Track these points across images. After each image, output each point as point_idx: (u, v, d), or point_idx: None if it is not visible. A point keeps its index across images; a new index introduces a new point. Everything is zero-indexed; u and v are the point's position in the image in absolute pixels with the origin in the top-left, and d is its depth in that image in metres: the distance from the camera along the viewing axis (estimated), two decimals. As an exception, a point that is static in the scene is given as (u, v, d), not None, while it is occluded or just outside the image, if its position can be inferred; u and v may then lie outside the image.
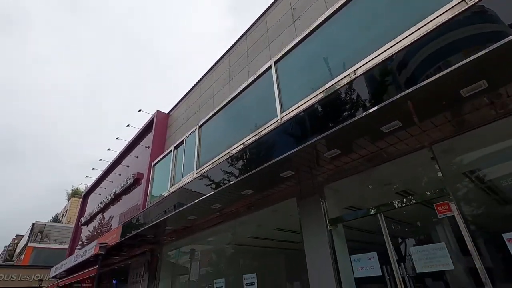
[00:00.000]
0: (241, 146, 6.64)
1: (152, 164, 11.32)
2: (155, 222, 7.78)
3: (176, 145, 9.88)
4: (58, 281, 13.32)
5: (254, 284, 5.83)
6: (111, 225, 14.01)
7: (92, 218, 17.64)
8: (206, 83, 10.85)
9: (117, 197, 14.62)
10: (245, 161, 5.55)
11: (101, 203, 16.22)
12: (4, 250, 47.47)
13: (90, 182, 21.72)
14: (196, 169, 8.07)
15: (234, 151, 6.90)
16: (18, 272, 24.54)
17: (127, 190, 13.66)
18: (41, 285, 18.36)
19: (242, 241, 9.87)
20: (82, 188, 53.59)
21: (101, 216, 16.38)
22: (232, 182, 5.37)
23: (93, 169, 19.16)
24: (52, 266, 21.42)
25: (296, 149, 4.33)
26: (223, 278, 6.89)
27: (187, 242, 9.48)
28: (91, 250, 11.96)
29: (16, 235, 51.30)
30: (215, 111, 8.43)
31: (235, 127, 7.48)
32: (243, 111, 7.45)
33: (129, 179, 13.20)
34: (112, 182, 18.12)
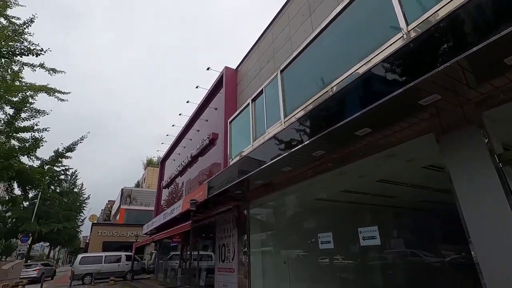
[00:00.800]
0: (349, 79, 5.52)
1: (228, 122, 10.94)
2: (242, 178, 7.38)
3: (254, 97, 9.17)
4: (153, 236, 14.70)
5: (375, 238, 5.01)
6: (191, 185, 14.59)
7: (172, 181, 18.82)
8: (278, 26, 9.64)
9: (194, 159, 15.03)
10: (360, 94, 4.46)
11: (179, 166, 17.02)
12: (102, 213, 56.04)
13: (165, 148, 23.17)
14: (284, 118, 7.27)
15: (335, 88, 5.83)
16: (117, 229, 28.65)
17: (203, 151, 13.84)
18: (137, 240, 20.91)
19: (332, 196, 9.10)
20: (155, 158, 59.12)
21: (181, 178, 17.28)
22: (347, 120, 4.37)
23: (167, 135, 20.19)
24: (142, 225, 24.26)
25: (458, 58, 3.07)
26: (329, 232, 6.22)
27: (274, 197, 9.09)
28: (178, 208, 12.62)
29: (108, 200, 60.22)
30: (298, 50, 7.31)
31: (330, 61, 6.30)
32: (338, 41, 6.17)
33: (204, 140, 13.25)
34: (184, 147, 18.85)
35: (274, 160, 6.14)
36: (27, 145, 8.56)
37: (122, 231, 28.01)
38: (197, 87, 13.66)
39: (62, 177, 33.25)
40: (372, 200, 9.70)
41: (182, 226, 9.96)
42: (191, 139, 17.70)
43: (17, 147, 8.51)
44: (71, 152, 10.60)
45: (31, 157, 9.16)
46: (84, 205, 38.88)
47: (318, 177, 6.96)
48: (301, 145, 5.41)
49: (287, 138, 6.14)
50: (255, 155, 7.32)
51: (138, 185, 49.46)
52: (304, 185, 7.55)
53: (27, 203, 29.96)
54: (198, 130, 16.46)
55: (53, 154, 10.14)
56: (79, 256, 20.83)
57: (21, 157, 8.95)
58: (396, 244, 9.95)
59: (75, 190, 37.97)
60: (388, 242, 9.90)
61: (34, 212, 27.17)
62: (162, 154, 23.99)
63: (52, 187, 31.51)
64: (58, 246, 44.16)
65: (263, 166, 6.40)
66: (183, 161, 16.32)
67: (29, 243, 27.86)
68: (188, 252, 14.79)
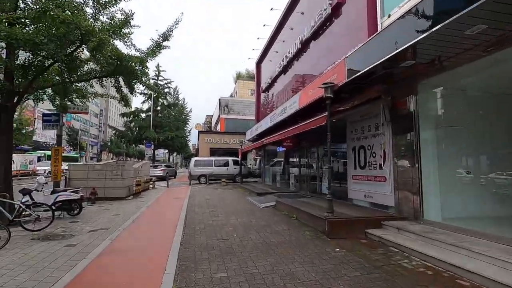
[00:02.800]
0: None
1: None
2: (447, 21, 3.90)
3: None
4: (263, 140, 13.43)
5: None
6: (303, 81, 11.81)
7: (273, 81, 16.44)
8: None
9: (304, 46, 11.79)
10: None
11: (282, 61, 14.15)
12: (203, 126, 61.59)
13: (256, 54, 20.46)
14: None
15: None
16: (220, 137, 30.04)
17: (319, 30, 10.33)
18: (242, 146, 20.83)
19: None
20: (243, 72, 58.39)
21: (284, 77, 14.64)
22: None
23: (258, 38, 17.22)
24: (242, 133, 24.09)
25: None
26: None
27: (461, 75, 5.47)
28: (293, 105, 10.26)
29: (206, 115, 65.36)
30: None
31: None
32: None
33: (323, 11, 9.55)
34: (284, 41, 15.55)
35: None
36: (116, 21, 6.87)
37: (225, 139, 29.21)
38: None
39: (166, 90, 35.63)
40: None
41: (312, 121, 7.47)
42: (292, 29, 14.15)
43: (107, 27, 6.89)
44: (168, 40, 8.76)
45: (126, 42, 7.62)
46: (188, 117, 42.28)
47: None
48: None
49: None
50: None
51: (231, 96, 50.61)
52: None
53: (144, 115, 33.80)
54: (303, 13, 12.65)
55: (151, 43, 8.44)
56: (193, 159, 22.49)
57: (116, 41, 7.50)
58: None
59: (179, 104, 40.95)
60: None
61: (151, 122, 30.31)
62: (255, 58, 21.38)
63: (160, 100, 34.23)
64: (175, 153, 51.69)
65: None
66: (289, 52, 13.25)
67: (152, 148, 32.30)
68: (296, 159, 13.25)
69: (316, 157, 11.34)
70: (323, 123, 6.75)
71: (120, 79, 9.27)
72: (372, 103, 7.09)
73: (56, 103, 9.42)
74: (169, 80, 35.01)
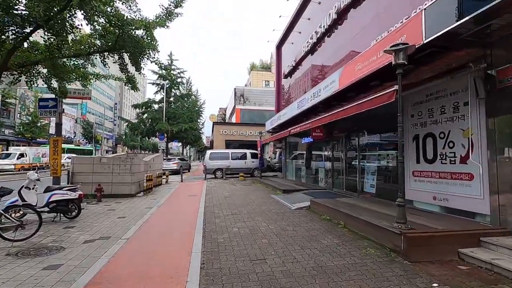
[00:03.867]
0: None
1: None
2: None
3: None
4: (290, 129, 11.76)
5: None
6: (341, 56, 9.99)
7: (298, 63, 14.62)
8: None
9: (341, 16, 9.91)
10: None
11: (311, 38, 12.30)
12: (217, 116, 60.31)
13: (281, 29, 18.62)
14: None
15: None
16: (236, 128, 28.47)
17: (363, -6, 8.49)
18: (261, 138, 19.25)
19: None
20: (257, 62, 56.42)
21: (312, 57, 12.82)
22: None
23: (280, 16, 15.40)
24: (259, 124, 22.46)
25: None
26: None
27: None
28: (331, 85, 8.52)
29: (220, 108, 63.99)
30: None
31: None
32: None
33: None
34: (309, 19, 13.68)
35: None
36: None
37: (241, 130, 27.66)
38: None
39: (179, 80, 34.28)
40: None
41: (372, 99, 5.55)
42: (319, 3, 12.27)
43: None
44: (181, 7, 7.18)
45: (131, 6, 6.09)
46: (201, 109, 40.91)
47: None
48: None
49: None
50: None
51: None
52: None
53: (157, 106, 32.63)
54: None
55: (161, 10, 6.92)
56: (208, 152, 21.05)
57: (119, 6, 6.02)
58: None
59: (192, 95, 39.57)
60: None
61: (164, 113, 29.11)
62: (275, 42, 19.56)
63: (173, 90, 32.96)
64: (188, 145, 50.73)
65: None
66: (320, 26, 11.35)
67: (166, 141, 31.21)
68: (327, 151, 11.48)
69: (355, 149, 9.58)
70: (389, 101, 5.01)
71: (126, 57, 7.84)
72: (452, 74, 5.30)
73: (52, 85, 8.09)
74: (182, 70, 33.59)
